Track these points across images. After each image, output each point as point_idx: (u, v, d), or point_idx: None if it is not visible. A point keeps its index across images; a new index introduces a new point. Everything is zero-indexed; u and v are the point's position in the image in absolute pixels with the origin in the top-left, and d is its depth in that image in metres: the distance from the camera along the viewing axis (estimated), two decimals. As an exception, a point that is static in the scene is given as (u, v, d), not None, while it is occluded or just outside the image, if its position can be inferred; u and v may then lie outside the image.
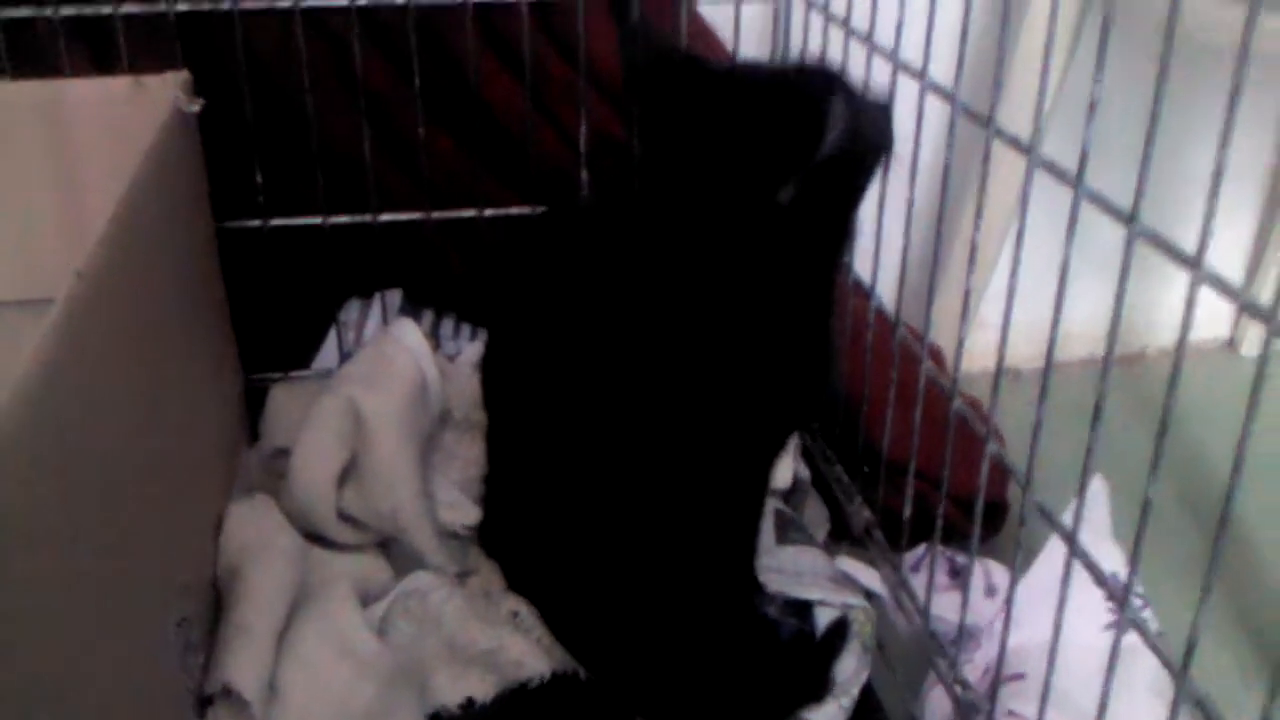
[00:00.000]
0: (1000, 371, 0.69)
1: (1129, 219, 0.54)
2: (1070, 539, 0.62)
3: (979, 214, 0.70)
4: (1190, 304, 0.50)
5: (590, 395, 0.77)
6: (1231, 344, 1.49)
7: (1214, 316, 1.48)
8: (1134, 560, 0.56)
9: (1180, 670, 0.52)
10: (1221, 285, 0.48)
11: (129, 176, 0.70)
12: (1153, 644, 0.56)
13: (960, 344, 0.74)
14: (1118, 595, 0.58)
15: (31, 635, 0.49)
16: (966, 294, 0.71)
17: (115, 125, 0.88)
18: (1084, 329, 1.12)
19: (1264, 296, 0.47)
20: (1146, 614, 0.82)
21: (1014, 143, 0.65)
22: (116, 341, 0.64)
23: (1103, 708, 0.60)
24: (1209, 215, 0.48)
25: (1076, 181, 0.58)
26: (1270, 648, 0.47)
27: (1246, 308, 0.47)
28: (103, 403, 0.61)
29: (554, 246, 0.84)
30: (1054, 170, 0.60)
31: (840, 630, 0.82)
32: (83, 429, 0.57)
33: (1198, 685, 0.52)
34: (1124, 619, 0.57)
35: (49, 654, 0.50)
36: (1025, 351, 0.89)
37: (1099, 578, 0.59)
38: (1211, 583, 0.50)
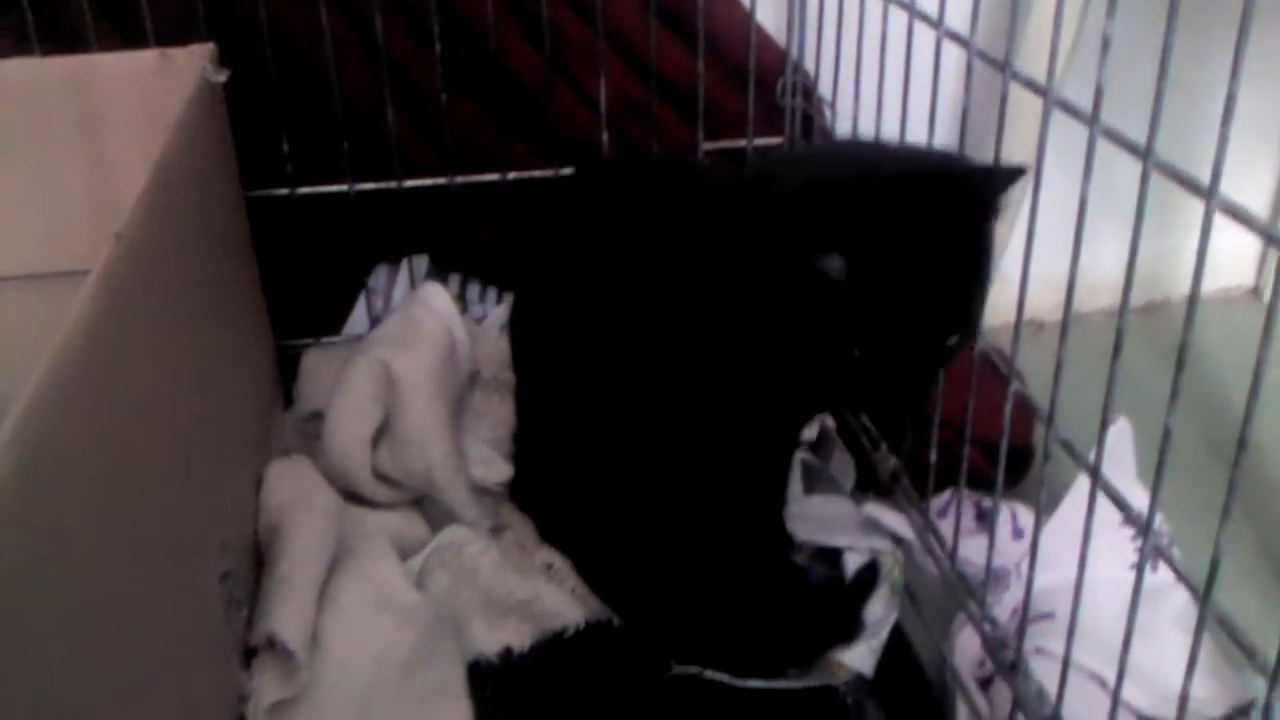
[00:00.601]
0: (1022, 308, 0.70)
1: (1144, 153, 0.55)
2: (1093, 472, 0.63)
3: (997, 158, 0.71)
4: (1205, 232, 0.51)
5: (620, 349, 0.79)
6: (1255, 291, 1.49)
7: (1238, 263, 1.48)
8: (1155, 488, 0.57)
9: (1204, 592, 0.53)
10: (1235, 212, 0.49)
11: (160, 147, 0.71)
12: (1175, 567, 0.57)
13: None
14: (1140, 525, 0.59)
15: (79, 590, 0.50)
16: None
17: (143, 98, 0.90)
18: (1109, 280, 1.11)
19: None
20: (1172, 551, 0.83)
21: (1030, 84, 0.66)
22: (154, 304, 0.66)
23: (1127, 638, 0.61)
24: (1222, 141, 0.48)
25: (1092, 119, 0.58)
26: (1268, 538, 0.48)
27: (1260, 233, 0.48)
28: (142, 363, 0.62)
29: (581, 206, 0.85)
30: (1070, 109, 0.61)
31: (870, 573, 0.84)
32: (124, 389, 0.59)
33: (1220, 606, 0.53)
34: (1147, 546, 0.58)
35: (97, 609, 0.52)
36: (1049, 302, 0.89)
37: (1122, 507, 0.60)
38: (1231, 504, 0.51)
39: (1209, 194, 0.50)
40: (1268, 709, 0.50)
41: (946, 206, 0.64)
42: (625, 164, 0.87)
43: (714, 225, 0.73)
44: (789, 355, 0.68)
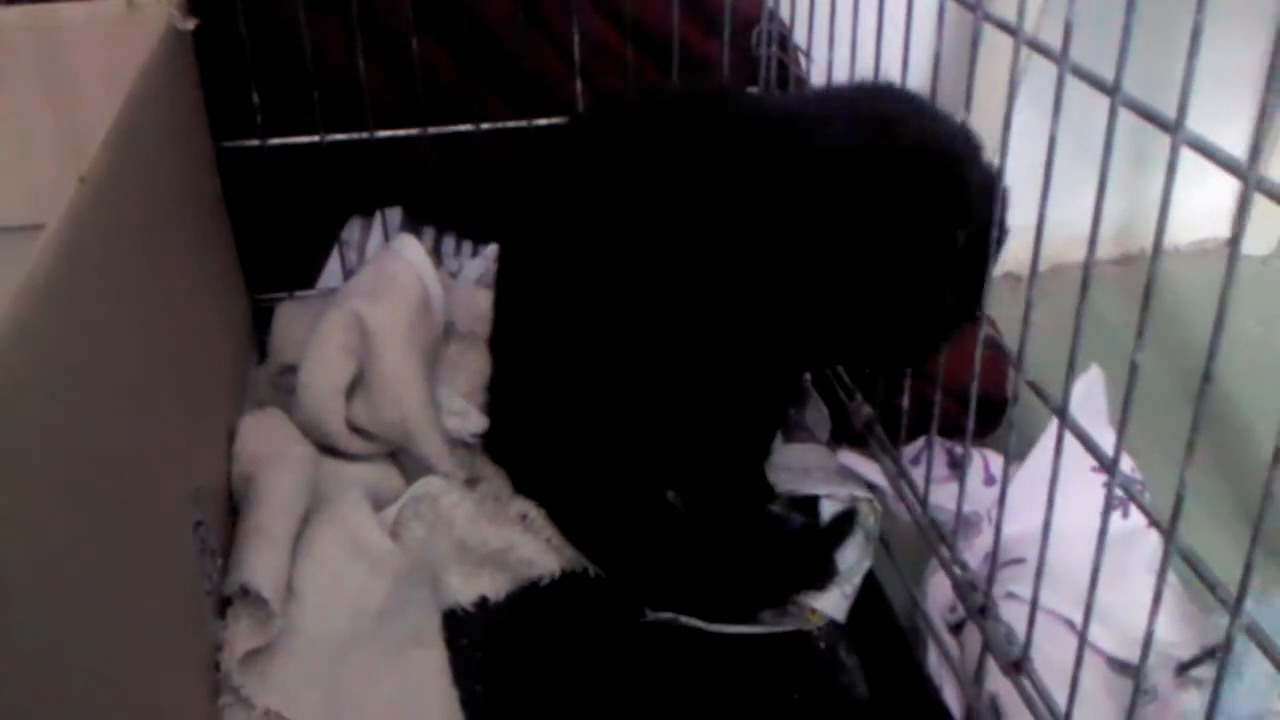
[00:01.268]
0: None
1: (1112, 89, 0.54)
2: (1060, 413, 0.63)
3: (968, 100, 0.71)
4: (1171, 167, 0.50)
5: (597, 302, 0.78)
6: (1231, 244, 1.49)
7: (1214, 216, 1.49)
8: (1121, 425, 0.57)
9: (1168, 527, 0.54)
10: (1201, 147, 0.49)
11: (126, 90, 0.71)
12: (1140, 504, 0.58)
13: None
14: (1107, 464, 0.59)
15: (48, 538, 0.50)
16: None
17: (109, 46, 0.89)
18: (1087, 232, 1.12)
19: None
20: (1144, 497, 0.83)
21: (1002, 25, 0.66)
22: (121, 250, 0.65)
23: (1094, 578, 0.62)
24: (1188, 74, 0.48)
25: (1062, 55, 0.58)
26: (1253, 508, 0.48)
27: (1225, 166, 0.47)
28: (108, 309, 0.62)
29: (563, 157, 0.84)
30: (1040, 48, 0.60)
31: (847, 520, 0.84)
32: (90, 333, 0.58)
33: (1185, 541, 0.54)
34: (1114, 484, 0.58)
35: (66, 557, 0.52)
36: (1027, 256, 0.90)
37: (1089, 446, 0.60)
38: (1195, 440, 0.51)
39: (1175, 129, 0.50)
40: (1229, 641, 0.51)
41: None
42: (626, 107, 0.85)
43: (742, 179, 0.72)
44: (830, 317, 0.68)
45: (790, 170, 0.68)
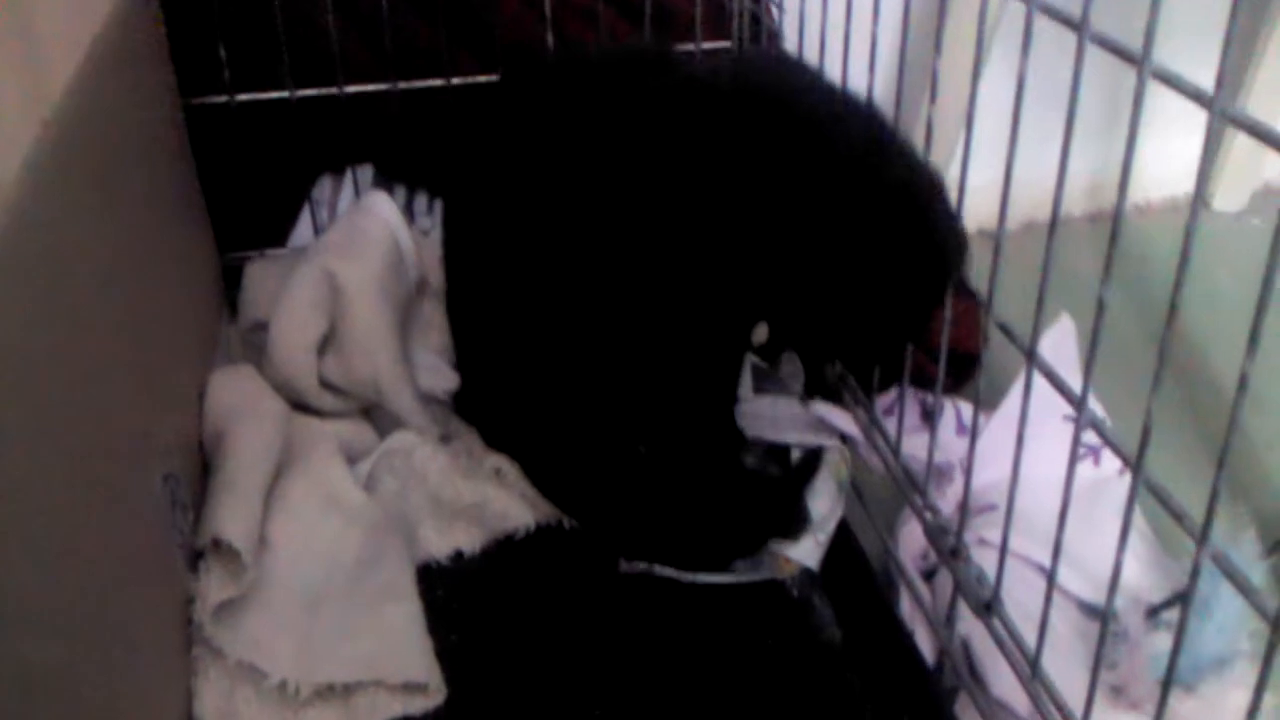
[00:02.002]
0: (962, 198, 0.70)
1: (1079, 25, 0.54)
2: (1029, 354, 0.63)
3: (938, 46, 0.70)
4: (1138, 98, 0.50)
5: (558, 254, 0.78)
6: (1204, 200, 1.50)
7: (1188, 172, 1.49)
8: (1089, 362, 0.57)
9: (1136, 460, 0.54)
10: (1167, 78, 0.49)
11: (90, 39, 0.70)
12: (1108, 439, 0.58)
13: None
14: (1076, 400, 0.59)
15: (12, 493, 0.49)
16: (929, 123, 0.72)
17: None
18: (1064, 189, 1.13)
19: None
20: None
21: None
22: (85, 197, 0.65)
23: (1063, 517, 0.62)
24: (1154, 6, 0.48)
25: (1030, -7, 0.58)
26: (1216, 443, 0.49)
27: (1189, 95, 0.48)
28: (72, 256, 0.61)
29: (515, 110, 0.84)
30: (1008, -14, 0.60)
31: (812, 461, 0.84)
32: (53, 279, 0.58)
33: (1151, 474, 0.54)
34: (1083, 421, 0.59)
35: (33, 507, 0.51)
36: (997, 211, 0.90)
37: (1057, 385, 0.60)
38: (1162, 373, 0.52)
39: (1141, 60, 0.50)
40: (1196, 569, 0.51)
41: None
42: (569, 62, 0.86)
43: (651, 127, 0.72)
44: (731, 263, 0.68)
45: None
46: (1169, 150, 1.35)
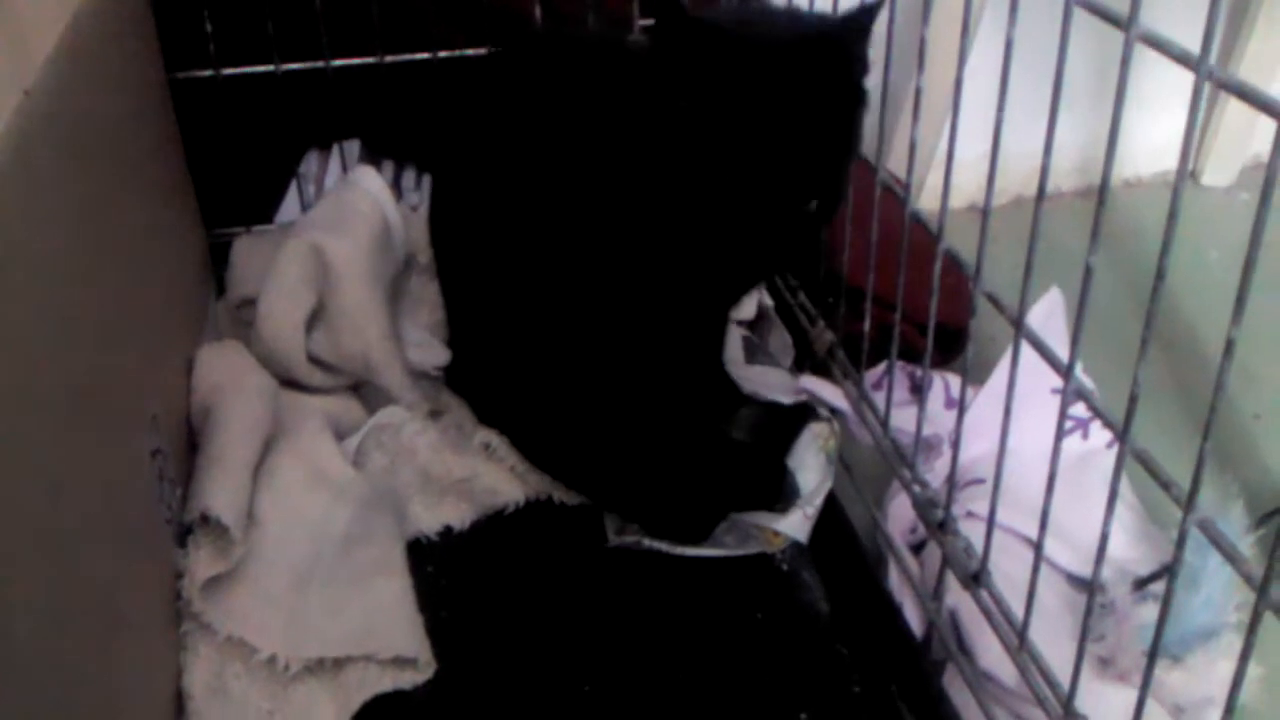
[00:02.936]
0: (950, 165, 0.69)
1: (1068, -8, 0.54)
2: (1016, 323, 0.63)
3: (925, 15, 0.70)
4: (1125, 62, 0.50)
5: (544, 227, 0.77)
6: (1193, 175, 1.50)
7: (1179, 146, 1.49)
8: (1076, 330, 0.57)
9: (1122, 429, 0.54)
10: (1154, 41, 0.49)
11: (73, 9, 0.69)
12: (1095, 407, 0.58)
13: (913, 148, 0.74)
14: (1062, 370, 0.59)
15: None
16: (918, 92, 0.72)
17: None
18: (1054, 165, 1.13)
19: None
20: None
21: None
22: (68, 169, 0.64)
23: (1050, 484, 0.62)
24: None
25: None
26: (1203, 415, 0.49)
27: (1176, 58, 0.47)
28: (56, 228, 0.61)
29: (507, 81, 0.84)
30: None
31: (797, 417, 0.84)
32: (36, 252, 0.57)
33: (1138, 442, 0.54)
34: (1069, 390, 0.59)
35: (20, 485, 0.51)
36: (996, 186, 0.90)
37: (1044, 354, 0.60)
38: (1149, 338, 0.52)
39: (1128, 24, 0.50)
40: (1182, 536, 0.51)
41: (797, 56, 0.65)
42: (551, 38, 0.85)
43: (618, 90, 0.72)
44: (676, 213, 0.68)
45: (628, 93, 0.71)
46: (1160, 125, 1.35)
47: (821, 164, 0.66)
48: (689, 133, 0.65)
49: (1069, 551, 0.83)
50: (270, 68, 0.99)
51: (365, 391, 0.93)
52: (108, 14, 0.76)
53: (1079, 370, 0.59)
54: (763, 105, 0.64)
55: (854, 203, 0.82)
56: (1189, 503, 0.50)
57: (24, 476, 0.51)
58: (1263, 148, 1.57)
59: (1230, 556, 0.49)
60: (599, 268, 0.76)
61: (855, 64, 0.67)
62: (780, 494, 0.82)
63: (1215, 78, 0.45)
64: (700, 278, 0.73)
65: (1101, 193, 0.53)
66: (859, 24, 0.66)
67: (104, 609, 0.61)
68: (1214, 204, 1.47)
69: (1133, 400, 0.53)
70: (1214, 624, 0.79)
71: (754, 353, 0.94)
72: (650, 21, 1.03)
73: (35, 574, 0.52)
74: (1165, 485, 0.52)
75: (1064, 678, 0.62)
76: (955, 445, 0.74)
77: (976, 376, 0.88)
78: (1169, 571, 0.54)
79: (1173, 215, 0.47)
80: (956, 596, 0.76)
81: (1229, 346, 0.46)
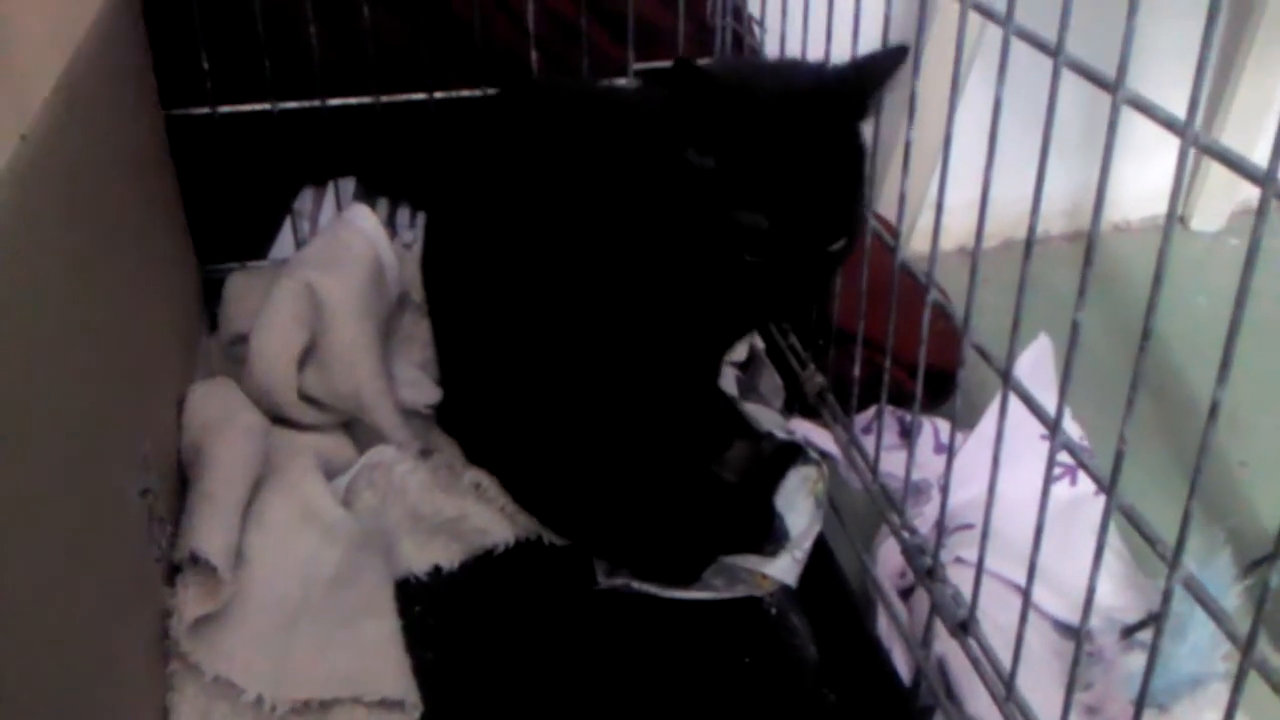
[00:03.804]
0: (940, 217, 0.70)
1: (1054, 51, 0.55)
2: (1005, 375, 0.63)
3: (916, 68, 0.71)
4: (1112, 125, 0.51)
5: (537, 271, 0.78)
6: (1182, 219, 1.51)
7: (1167, 192, 1.50)
8: (1064, 382, 0.58)
9: (1110, 484, 0.54)
10: (1140, 104, 0.50)
11: (71, 50, 0.69)
12: (1083, 463, 0.58)
13: (902, 199, 0.75)
14: (1050, 422, 0.60)
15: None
16: (907, 145, 0.72)
17: (55, 6, 0.87)
18: (1043, 209, 1.13)
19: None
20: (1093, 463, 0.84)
21: (949, -10, 0.66)
22: (64, 210, 0.64)
23: (1038, 535, 0.62)
24: (1129, 34, 0.49)
25: (1006, 19, 0.59)
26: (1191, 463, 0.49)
27: (1162, 122, 0.48)
28: (52, 269, 0.61)
29: (501, 127, 0.84)
30: (984, 10, 0.61)
31: (789, 452, 0.85)
32: (33, 292, 0.57)
33: (1125, 497, 0.54)
34: (1056, 444, 0.59)
35: (8, 523, 0.51)
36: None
37: (1032, 407, 0.61)
38: (1135, 396, 0.52)
39: (1115, 87, 0.50)
40: (1168, 592, 0.52)
41: (814, 109, 0.66)
42: (551, 84, 0.86)
43: (617, 141, 0.73)
44: (683, 262, 0.68)
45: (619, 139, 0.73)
46: (1149, 170, 1.36)
47: (845, 205, 0.67)
48: (706, 185, 0.65)
49: (1057, 598, 0.83)
50: (267, 106, 1.00)
51: (356, 429, 0.93)
52: (106, 53, 0.77)
53: (1067, 416, 0.60)
54: (788, 154, 0.64)
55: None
56: (1174, 560, 0.50)
57: (13, 516, 0.51)
58: (1251, 194, 1.59)
59: (1216, 616, 0.50)
60: (594, 315, 0.76)
61: (867, 112, 0.68)
62: (769, 537, 0.82)
63: (1200, 144, 0.46)
64: (706, 324, 0.74)
65: (1089, 252, 0.53)
66: (881, 68, 0.67)
67: (92, 648, 0.61)
68: (1203, 249, 1.48)
69: (1119, 456, 0.53)
70: (1201, 673, 0.79)
71: (746, 392, 0.94)
72: (644, 66, 1.06)
73: (23, 612, 0.51)
74: (1151, 541, 0.52)
75: (1051, 727, 0.63)
76: (944, 492, 0.74)
77: (966, 421, 0.89)
78: (1156, 623, 0.54)
79: (1158, 279, 0.48)
80: (945, 643, 0.76)
81: (1214, 408, 0.46)
